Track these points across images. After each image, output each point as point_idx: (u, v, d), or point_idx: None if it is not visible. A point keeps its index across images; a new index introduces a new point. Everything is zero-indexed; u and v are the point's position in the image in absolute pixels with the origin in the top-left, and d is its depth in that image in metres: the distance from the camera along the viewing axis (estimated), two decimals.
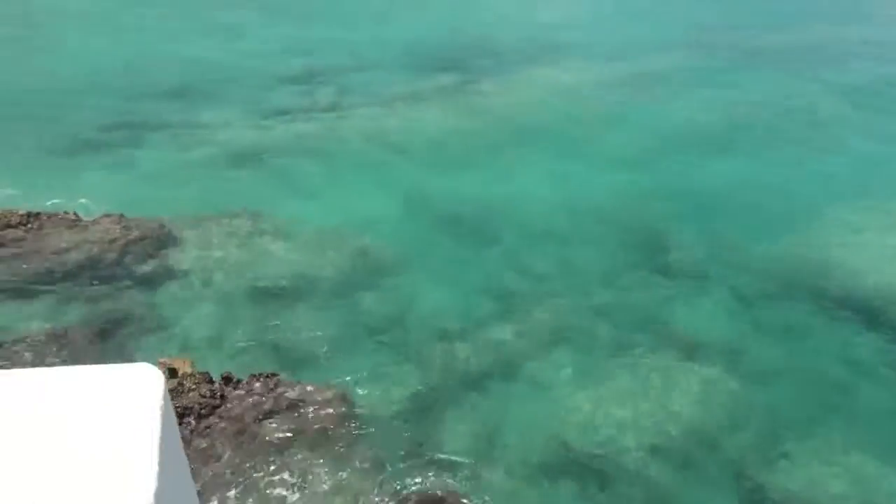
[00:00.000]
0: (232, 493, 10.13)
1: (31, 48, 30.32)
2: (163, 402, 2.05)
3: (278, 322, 14.39)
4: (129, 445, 1.90)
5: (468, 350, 13.86)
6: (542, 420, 12.13)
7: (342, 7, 44.35)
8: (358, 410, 11.90)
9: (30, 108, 23.90)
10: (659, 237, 18.32)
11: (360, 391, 12.47)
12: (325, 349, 13.69)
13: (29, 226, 15.92)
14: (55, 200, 17.76)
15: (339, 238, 17.42)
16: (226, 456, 10.74)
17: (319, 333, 14.10)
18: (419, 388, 12.78)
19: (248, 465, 10.61)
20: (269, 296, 15.20)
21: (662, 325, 14.82)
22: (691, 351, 14.03)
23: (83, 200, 17.99)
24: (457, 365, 13.47)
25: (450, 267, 16.83)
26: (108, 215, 16.98)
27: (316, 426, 11.42)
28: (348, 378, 12.76)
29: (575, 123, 26.41)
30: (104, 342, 13.27)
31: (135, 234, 16.52)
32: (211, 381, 11.73)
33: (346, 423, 11.57)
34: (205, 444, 10.86)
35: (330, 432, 11.36)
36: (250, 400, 11.78)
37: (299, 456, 10.85)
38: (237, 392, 11.87)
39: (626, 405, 12.50)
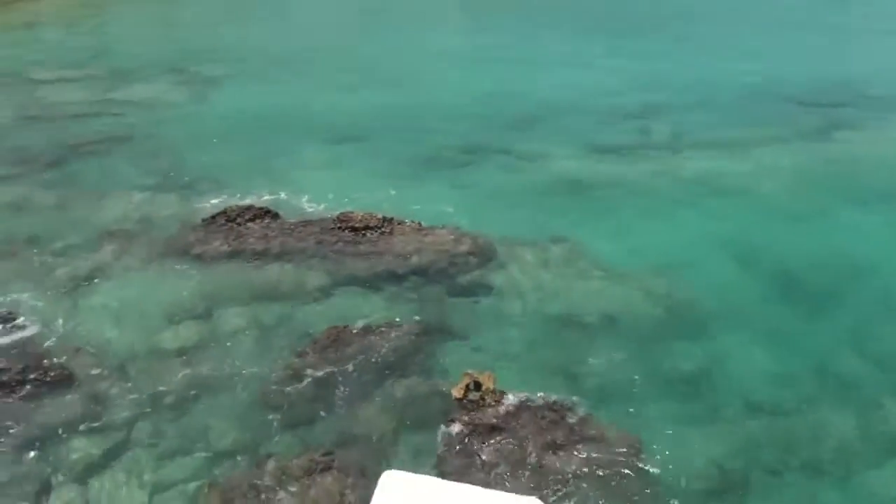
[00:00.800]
0: None
1: (409, 84, 34.97)
2: None
3: (578, 353, 14.31)
4: None
5: (787, 431, 12.16)
6: None
7: (691, 43, 42.91)
8: (651, 467, 11.19)
9: (401, 130, 27.62)
10: None
11: (654, 445, 11.72)
12: (621, 390, 13.20)
13: (382, 229, 18.33)
14: (416, 207, 20.11)
15: (652, 279, 16.73)
16: (508, 476, 10.97)
17: (617, 372, 13.68)
18: (721, 458, 11.56)
19: (527, 491, 10.68)
20: (574, 326, 15.22)
21: None
22: None
23: (444, 209, 20.01)
24: (770, 444, 11.89)
25: (774, 330, 15.00)
26: (445, 227, 18.71)
27: (602, 471, 11.03)
28: (643, 428, 12.09)
29: None
30: (424, 341, 14.59)
31: (465, 246, 17.92)
32: (510, 401, 12.09)
33: (637, 477, 10.97)
34: (493, 460, 11.24)
35: (616, 481, 10.89)
36: (541, 426, 11.88)
37: (585, 499, 10.59)
38: (530, 416, 12.06)
39: None
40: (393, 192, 21.42)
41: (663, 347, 14.44)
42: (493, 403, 12.02)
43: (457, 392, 12.21)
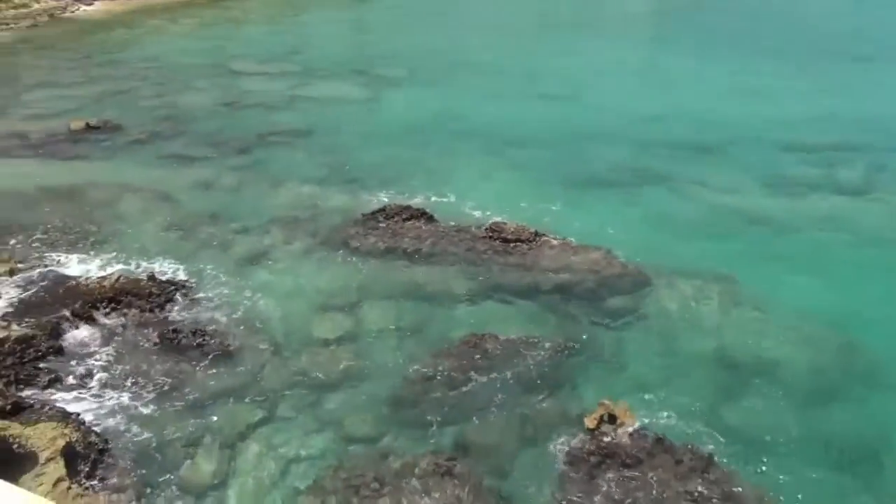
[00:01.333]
0: None
1: (579, 98, 34.35)
2: None
3: (729, 399, 13.30)
4: None
5: None
6: None
7: None
8: None
9: (565, 145, 27.20)
10: None
11: None
12: (773, 448, 12.09)
13: (533, 242, 18.18)
14: (569, 223, 19.69)
15: (823, 331, 15.21)
16: None
17: (771, 427, 12.56)
18: None
19: None
20: (727, 368, 14.19)
21: None
22: None
23: (599, 229, 19.46)
24: None
25: None
26: (596, 247, 18.19)
27: None
28: (791, 496, 10.98)
29: None
30: (563, 360, 14.28)
31: (616, 269, 17.33)
32: (645, 438, 11.47)
33: None
34: (618, 498, 10.72)
35: None
36: (676, 471, 11.16)
37: None
38: (666, 458, 11.36)
39: None
40: (548, 207, 21.17)
41: (828, 408, 13.05)
42: (626, 437, 11.47)
43: (590, 422, 11.78)
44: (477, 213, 20.47)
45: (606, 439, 11.52)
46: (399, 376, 13.84)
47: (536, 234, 18.55)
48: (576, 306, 16.21)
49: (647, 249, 18.36)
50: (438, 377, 13.70)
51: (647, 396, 13.19)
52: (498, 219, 19.48)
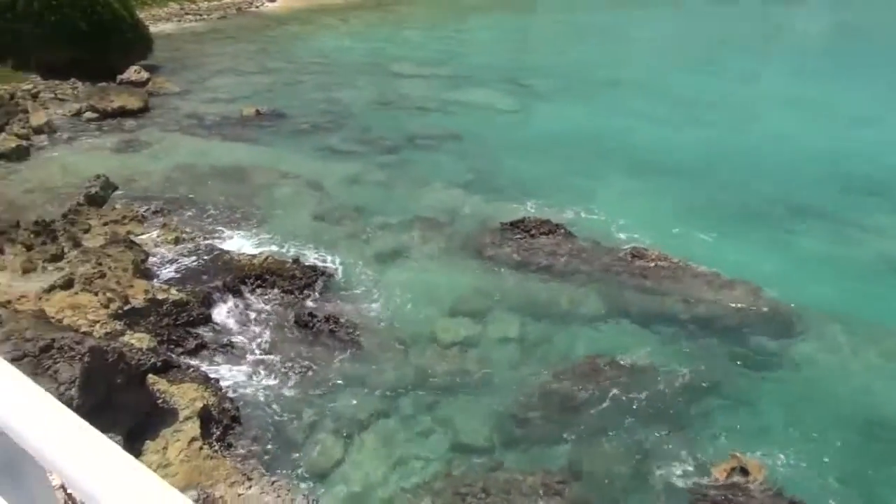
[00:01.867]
0: None
1: (737, 129, 32.32)
2: None
3: (883, 470, 11.92)
4: None
5: None
6: None
7: None
8: None
9: (718, 173, 25.64)
10: None
11: None
12: None
13: (675, 271, 17.31)
14: (716, 255, 18.48)
15: None
16: None
17: None
18: None
19: None
20: (883, 434, 12.73)
21: None
22: None
23: (749, 264, 18.17)
24: None
25: None
26: (745, 283, 17.04)
27: None
28: None
29: None
30: (691, 397, 13.46)
31: (763, 308, 16.19)
32: (781, 499, 10.53)
33: None
34: None
35: None
36: None
37: None
38: None
39: None
40: (695, 236, 20.06)
41: None
42: (758, 494, 10.58)
43: (718, 472, 10.98)
44: (619, 235, 19.80)
45: (734, 492, 10.69)
46: (517, 390, 13.66)
47: (680, 263, 17.65)
48: (713, 343, 15.24)
49: (803, 292, 16.91)
50: (558, 396, 13.38)
51: (782, 452, 12.09)
52: (640, 243, 18.74)
